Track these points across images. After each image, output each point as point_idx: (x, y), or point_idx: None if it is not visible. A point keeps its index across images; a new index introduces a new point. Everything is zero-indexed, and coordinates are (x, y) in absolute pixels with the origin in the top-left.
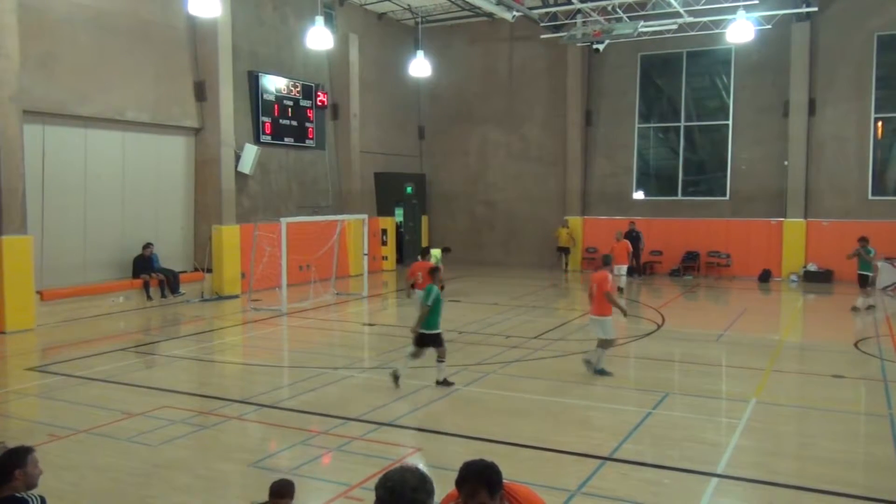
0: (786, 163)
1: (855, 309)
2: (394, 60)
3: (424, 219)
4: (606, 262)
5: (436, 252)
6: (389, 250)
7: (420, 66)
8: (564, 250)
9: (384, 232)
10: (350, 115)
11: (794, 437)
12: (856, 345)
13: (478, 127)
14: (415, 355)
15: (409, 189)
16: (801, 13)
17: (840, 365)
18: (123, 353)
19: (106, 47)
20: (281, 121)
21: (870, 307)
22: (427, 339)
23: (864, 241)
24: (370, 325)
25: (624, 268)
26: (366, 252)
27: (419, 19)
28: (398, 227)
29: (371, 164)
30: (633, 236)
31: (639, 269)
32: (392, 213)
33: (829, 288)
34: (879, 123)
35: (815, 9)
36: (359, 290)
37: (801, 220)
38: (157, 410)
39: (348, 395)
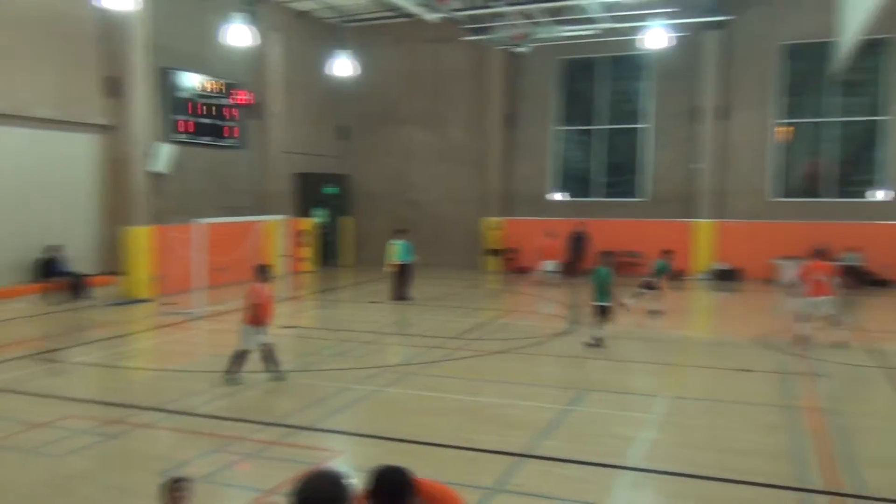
0: (697, 165)
1: (623, 305)
2: (317, 59)
3: (348, 220)
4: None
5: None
6: (311, 252)
7: (343, 66)
8: (495, 252)
9: (305, 233)
10: (271, 115)
11: (705, 430)
12: (761, 339)
13: (401, 127)
14: (598, 324)
15: (331, 190)
16: (714, 22)
17: (747, 359)
18: (26, 360)
19: (9, 40)
20: (199, 119)
21: (625, 302)
22: (604, 310)
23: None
24: (289, 327)
25: (551, 263)
26: (285, 254)
27: (342, 18)
28: (319, 228)
29: (293, 164)
30: (579, 237)
31: (574, 271)
32: (314, 214)
33: (738, 286)
34: (783, 129)
35: (727, 17)
36: (278, 292)
37: (711, 220)
38: (61, 420)
39: (267, 398)
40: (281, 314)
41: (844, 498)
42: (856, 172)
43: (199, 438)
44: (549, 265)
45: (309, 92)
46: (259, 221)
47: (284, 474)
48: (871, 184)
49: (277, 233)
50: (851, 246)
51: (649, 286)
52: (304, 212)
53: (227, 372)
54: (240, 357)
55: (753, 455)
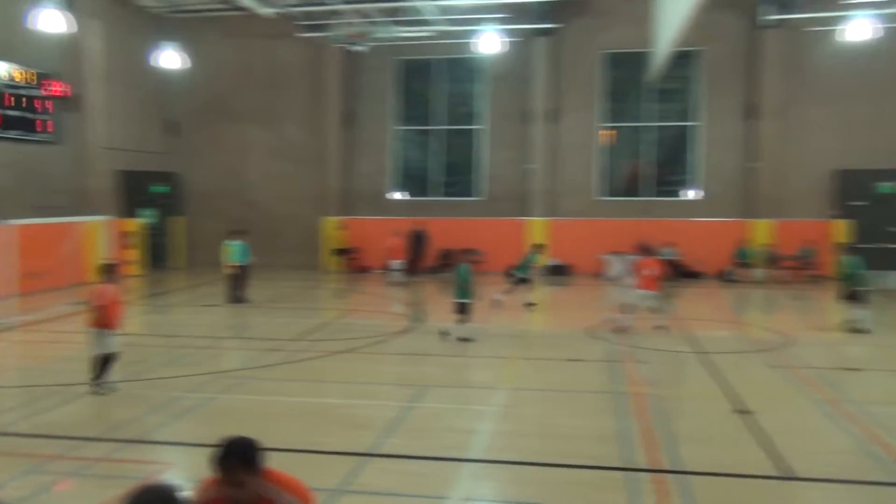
0: (530, 166)
1: (497, 301)
2: (141, 51)
3: (179, 220)
4: None
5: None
6: (138, 254)
7: (170, 59)
8: (342, 252)
9: (131, 234)
10: (91, 108)
11: (541, 419)
12: (590, 331)
13: (236, 124)
14: (462, 321)
15: (160, 188)
16: (544, 29)
17: (578, 349)
18: None
19: None
20: (6, 111)
21: (498, 301)
22: (465, 307)
23: (537, 247)
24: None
25: (398, 262)
26: (109, 257)
27: (168, 9)
28: (147, 229)
29: (116, 160)
30: (418, 236)
31: (416, 269)
32: (141, 215)
33: (569, 280)
34: (606, 132)
35: (556, 25)
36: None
37: (544, 218)
38: None
39: (90, 412)
40: None
41: (664, 474)
42: (670, 173)
43: (12, 459)
44: (396, 264)
45: (133, 85)
46: (78, 222)
47: (110, 492)
48: (683, 184)
49: (99, 234)
50: (668, 241)
51: (522, 280)
52: (129, 212)
53: (94, 380)
54: (104, 362)
55: (585, 440)
